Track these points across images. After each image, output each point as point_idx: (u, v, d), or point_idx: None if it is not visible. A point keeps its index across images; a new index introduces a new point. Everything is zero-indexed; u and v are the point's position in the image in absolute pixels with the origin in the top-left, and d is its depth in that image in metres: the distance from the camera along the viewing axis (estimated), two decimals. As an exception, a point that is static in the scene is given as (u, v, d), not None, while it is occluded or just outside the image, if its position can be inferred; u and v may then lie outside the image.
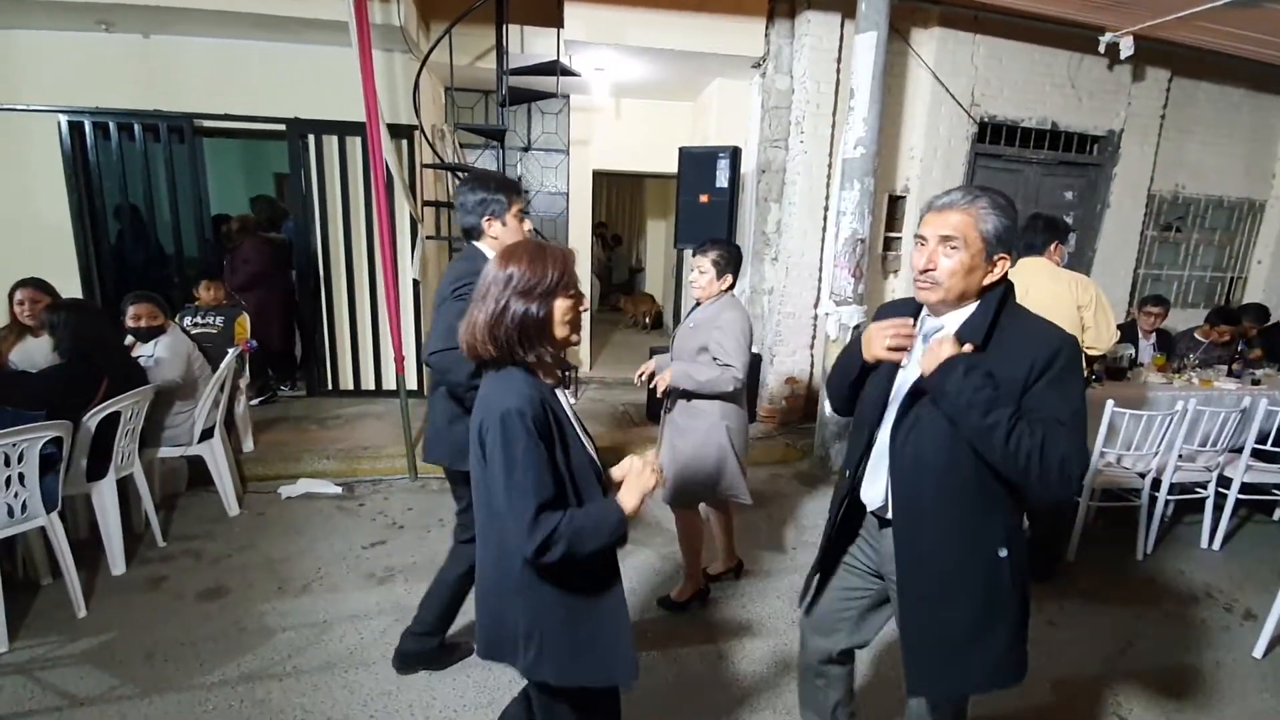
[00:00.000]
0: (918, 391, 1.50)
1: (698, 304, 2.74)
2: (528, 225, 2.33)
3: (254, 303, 4.87)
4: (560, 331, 1.39)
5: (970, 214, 1.43)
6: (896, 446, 1.52)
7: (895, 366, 1.58)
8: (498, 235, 2.23)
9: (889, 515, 1.58)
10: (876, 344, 1.50)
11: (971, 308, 1.49)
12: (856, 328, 4.22)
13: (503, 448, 1.29)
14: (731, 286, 2.69)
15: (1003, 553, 1.47)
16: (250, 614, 2.76)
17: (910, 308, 1.61)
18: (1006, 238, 1.44)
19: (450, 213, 5.30)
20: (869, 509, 1.66)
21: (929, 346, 1.43)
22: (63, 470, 2.67)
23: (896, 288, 5.32)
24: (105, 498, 2.92)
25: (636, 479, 1.40)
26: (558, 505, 1.30)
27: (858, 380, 1.68)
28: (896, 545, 1.55)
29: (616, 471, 1.46)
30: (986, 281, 1.46)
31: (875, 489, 1.61)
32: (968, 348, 1.41)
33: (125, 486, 3.12)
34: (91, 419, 2.75)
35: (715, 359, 2.57)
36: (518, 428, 1.28)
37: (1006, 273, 1.48)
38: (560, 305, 1.38)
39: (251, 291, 5.02)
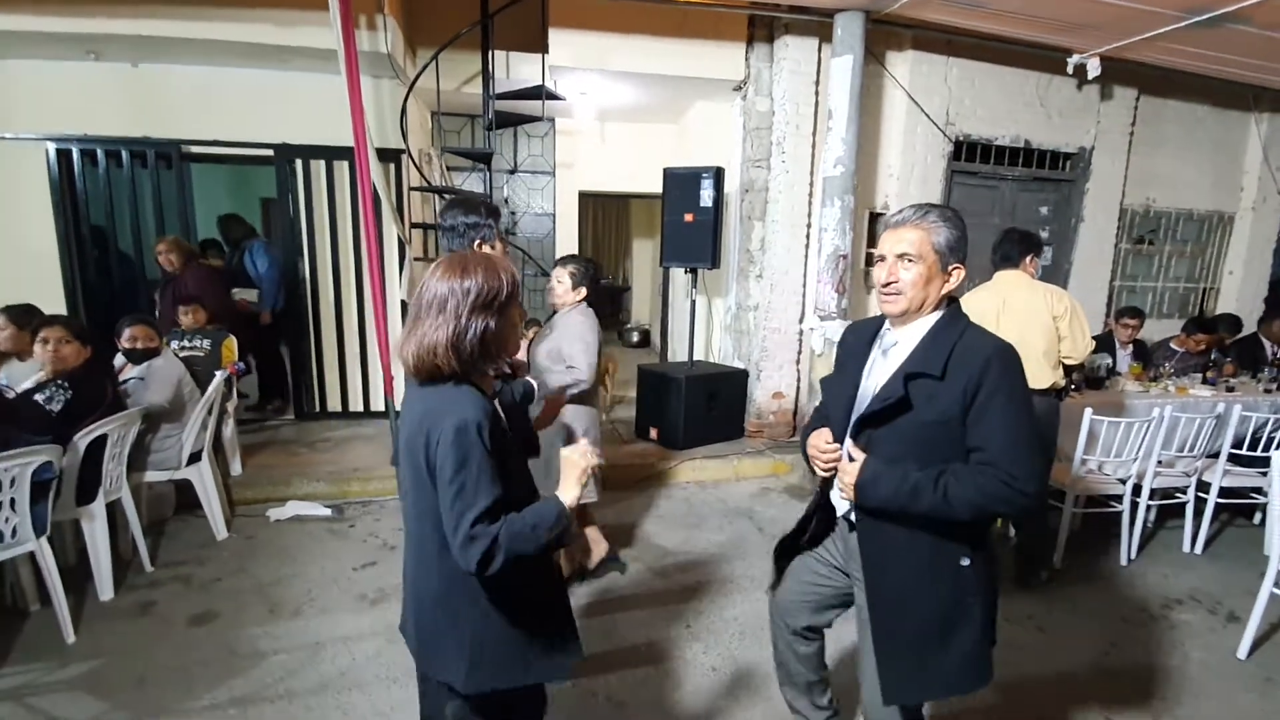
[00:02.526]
0: (865, 419, 1.54)
1: (555, 311, 3.02)
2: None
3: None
4: (513, 341, 1.40)
5: (922, 229, 1.52)
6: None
7: (857, 377, 1.64)
8: None
9: (853, 519, 1.63)
10: (818, 469, 1.65)
11: (930, 320, 1.56)
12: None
13: (455, 461, 1.25)
14: (585, 299, 2.94)
15: (964, 562, 1.52)
16: (241, 638, 2.74)
17: (875, 325, 1.68)
18: (958, 247, 1.53)
19: (438, 234, 5.30)
20: (838, 513, 1.72)
21: (838, 478, 1.56)
22: (51, 494, 2.66)
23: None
24: (95, 522, 2.90)
25: (572, 468, 1.40)
26: (497, 517, 1.27)
27: None
28: (862, 553, 1.60)
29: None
30: (944, 290, 1.54)
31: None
32: (859, 457, 1.51)
33: (113, 511, 3.09)
34: (81, 439, 2.75)
35: (568, 366, 2.82)
36: (475, 441, 1.25)
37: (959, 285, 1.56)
38: (513, 316, 1.37)
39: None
